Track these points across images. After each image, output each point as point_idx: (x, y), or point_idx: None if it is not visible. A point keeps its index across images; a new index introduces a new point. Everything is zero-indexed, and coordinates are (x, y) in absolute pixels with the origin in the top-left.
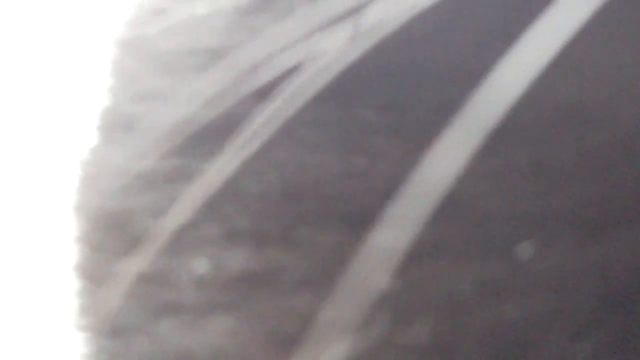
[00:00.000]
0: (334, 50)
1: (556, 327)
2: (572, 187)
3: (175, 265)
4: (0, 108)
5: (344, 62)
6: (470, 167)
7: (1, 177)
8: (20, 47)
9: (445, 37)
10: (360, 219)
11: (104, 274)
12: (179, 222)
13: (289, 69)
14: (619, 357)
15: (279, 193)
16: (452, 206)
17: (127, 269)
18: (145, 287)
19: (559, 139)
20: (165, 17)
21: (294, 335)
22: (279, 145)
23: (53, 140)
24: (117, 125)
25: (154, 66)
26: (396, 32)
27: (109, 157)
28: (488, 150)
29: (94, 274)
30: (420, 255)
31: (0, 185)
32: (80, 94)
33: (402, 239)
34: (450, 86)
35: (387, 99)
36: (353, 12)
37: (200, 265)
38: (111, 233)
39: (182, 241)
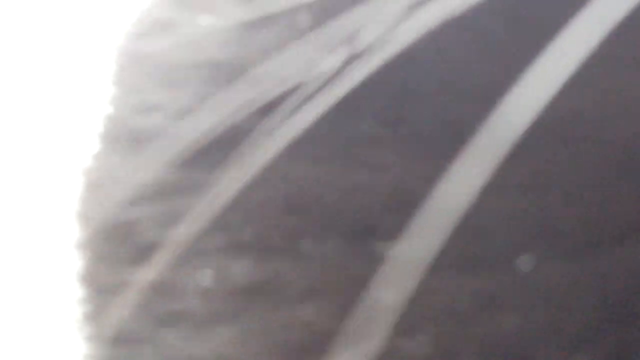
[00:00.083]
0: (332, 70)
1: (555, 339)
2: (570, 202)
3: (180, 275)
4: (4, 115)
5: (348, 80)
6: None
7: (5, 184)
8: (24, 54)
9: (446, 53)
10: (362, 231)
11: (109, 283)
12: (185, 234)
13: (292, 87)
14: None
15: (282, 205)
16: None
17: (132, 278)
18: (150, 296)
19: (557, 155)
20: (168, 29)
21: (297, 345)
22: (282, 158)
23: (57, 147)
24: (120, 136)
25: (157, 78)
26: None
27: (113, 167)
28: None
29: (99, 283)
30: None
31: (5, 192)
32: (84, 102)
33: (421, 255)
34: (452, 101)
35: (390, 113)
36: (350, 33)
37: (205, 275)
38: (116, 243)
39: (187, 252)
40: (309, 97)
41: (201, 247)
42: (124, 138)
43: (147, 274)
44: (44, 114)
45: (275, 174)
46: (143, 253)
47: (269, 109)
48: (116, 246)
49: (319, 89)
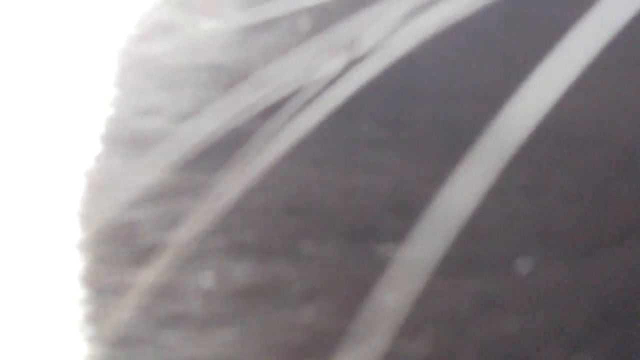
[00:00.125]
0: (332, 74)
1: (554, 341)
2: (569, 205)
3: (182, 277)
4: (6, 116)
5: (348, 84)
6: None
7: (7, 184)
8: (26, 56)
9: (446, 55)
10: (362, 233)
11: (110, 284)
12: (186, 236)
13: (293, 90)
14: None
15: (283, 207)
16: None
17: (134, 280)
18: (151, 298)
19: (556, 159)
20: (170, 32)
21: (298, 346)
22: (283, 160)
23: (59, 148)
24: (121, 138)
25: (158, 81)
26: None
27: (115, 169)
28: None
29: (100, 284)
30: None
31: (7, 193)
32: (86, 104)
33: (425, 258)
34: (451, 103)
35: (390, 115)
36: (351, 37)
37: (206, 277)
38: (117, 244)
39: (188, 253)
40: (310, 101)
41: (202, 248)
42: (125, 140)
43: (149, 275)
44: (46, 116)
45: (275, 176)
46: (144, 255)
47: (270, 112)
48: (117, 248)
49: (320, 92)
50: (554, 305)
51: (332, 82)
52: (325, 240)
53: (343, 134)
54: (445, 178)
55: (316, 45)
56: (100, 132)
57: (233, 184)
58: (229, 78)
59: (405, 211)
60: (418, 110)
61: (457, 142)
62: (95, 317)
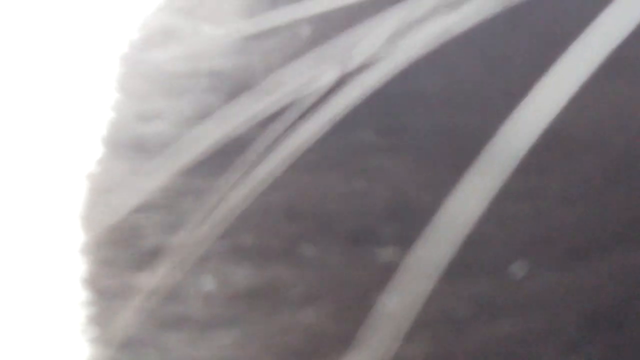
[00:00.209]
0: (332, 83)
1: (548, 343)
2: (562, 211)
3: (183, 280)
4: (10, 120)
5: (347, 93)
6: None
7: (10, 188)
8: (29, 60)
9: (445, 64)
10: (361, 237)
11: (112, 287)
12: (188, 240)
13: (293, 98)
14: None
15: (282, 212)
16: None
17: (136, 283)
18: (153, 300)
19: (550, 165)
20: (172, 38)
21: (297, 348)
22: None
23: (61, 152)
24: (123, 142)
25: (159, 86)
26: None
27: (117, 172)
28: None
29: (102, 287)
30: None
31: (10, 196)
32: (88, 108)
33: (427, 264)
34: (449, 111)
35: (388, 123)
36: (350, 47)
37: (207, 280)
38: (119, 247)
39: (189, 257)
40: (310, 109)
41: (203, 252)
42: (127, 144)
43: (151, 278)
44: (49, 119)
45: (275, 181)
46: (146, 258)
47: (271, 119)
48: (120, 251)
49: (320, 101)
50: (548, 308)
51: (331, 90)
52: (324, 244)
53: (342, 140)
54: (442, 184)
55: (316, 54)
56: (102, 136)
57: (234, 188)
58: (230, 84)
59: (403, 216)
60: (416, 117)
61: (454, 149)
62: (98, 320)
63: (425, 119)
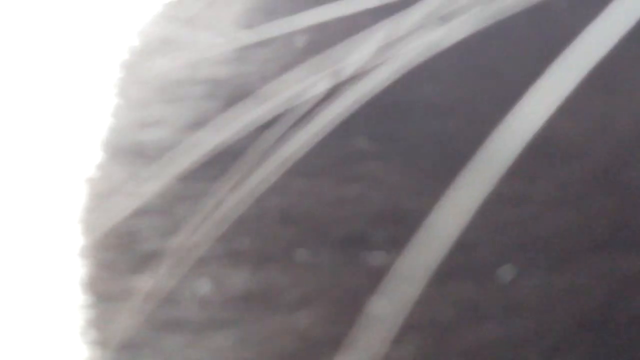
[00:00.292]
0: (326, 91)
1: (534, 347)
2: (548, 216)
3: (179, 283)
4: (10, 124)
5: (342, 101)
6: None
7: (11, 192)
8: (30, 62)
9: (437, 73)
10: (354, 242)
11: (111, 290)
12: (185, 244)
13: (289, 106)
14: None
15: (278, 216)
16: None
17: (134, 286)
18: (151, 304)
19: (536, 171)
20: (171, 46)
21: (291, 351)
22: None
23: (61, 157)
24: (123, 148)
25: (158, 93)
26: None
27: (116, 177)
28: None
29: (101, 290)
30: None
31: (10, 200)
32: (88, 114)
33: (417, 269)
34: (441, 119)
35: (379, 129)
36: (344, 56)
37: (203, 283)
38: (118, 251)
39: (186, 260)
40: (304, 116)
41: (200, 256)
42: (127, 150)
43: (148, 281)
44: (50, 124)
45: (270, 186)
46: (144, 261)
47: (266, 126)
48: (119, 254)
49: (314, 109)
50: (534, 312)
51: (325, 99)
52: (318, 249)
53: (336, 147)
54: (433, 190)
55: (310, 65)
56: (102, 142)
57: (230, 194)
58: (227, 92)
59: (395, 221)
60: (408, 125)
61: (445, 156)
62: (97, 322)
63: (417, 126)
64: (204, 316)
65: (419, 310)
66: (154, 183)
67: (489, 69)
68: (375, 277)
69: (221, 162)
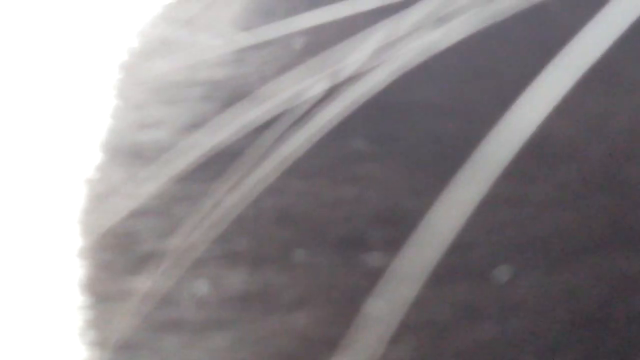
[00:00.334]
0: (323, 92)
1: (531, 347)
2: (545, 216)
3: (177, 284)
4: (10, 125)
5: (339, 102)
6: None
7: (10, 193)
8: (29, 64)
9: (435, 75)
10: (351, 243)
11: (109, 291)
12: (183, 244)
13: (286, 107)
14: None
15: (275, 217)
16: None
17: (132, 287)
18: (149, 304)
19: (532, 172)
20: (170, 48)
21: (288, 352)
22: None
23: (60, 158)
24: (122, 149)
25: (157, 95)
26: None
27: (115, 178)
28: None
29: (100, 291)
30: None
31: (9, 201)
32: (87, 115)
33: (414, 269)
34: (438, 120)
35: (377, 130)
36: (341, 58)
37: (201, 284)
38: (116, 252)
39: (184, 261)
40: (302, 117)
41: (198, 256)
42: (126, 151)
43: (146, 282)
44: (49, 126)
45: (268, 187)
46: (142, 262)
47: (264, 127)
48: (117, 255)
49: (312, 110)
50: (531, 312)
51: (322, 100)
52: (315, 250)
53: (333, 147)
54: (431, 190)
55: (308, 66)
56: (101, 143)
57: (228, 194)
58: (225, 93)
59: (393, 222)
60: (405, 126)
61: (442, 156)
62: (95, 323)
63: (414, 127)
64: (202, 317)
65: (415, 311)
66: (152, 184)
67: (486, 70)
68: (373, 278)
69: (219, 163)
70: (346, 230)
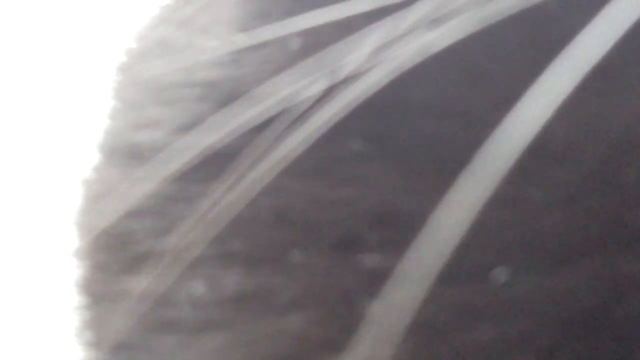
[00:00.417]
0: (320, 93)
1: (528, 348)
2: (542, 217)
3: (173, 285)
4: (6, 125)
5: (336, 102)
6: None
7: (6, 193)
8: (27, 64)
9: (431, 76)
10: (347, 243)
11: (106, 291)
12: (179, 245)
13: (283, 108)
14: None
15: (271, 218)
16: None
17: (129, 287)
18: (145, 305)
19: (530, 173)
20: (167, 49)
21: (284, 353)
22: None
23: (57, 158)
24: (118, 149)
25: (154, 95)
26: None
27: (112, 179)
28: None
29: (96, 291)
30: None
31: (6, 201)
32: (85, 116)
33: (416, 271)
34: (434, 121)
35: (373, 131)
36: (338, 59)
37: (196, 284)
38: (113, 252)
39: (180, 261)
40: (299, 118)
41: (194, 257)
42: (123, 151)
43: (142, 283)
44: (46, 126)
45: (265, 188)
46: (139, 262)
47: (261, 128)
48: (113, 256)
49: (309, 110)
50: (528, 313)
51: (319, 100)
52: (312, 250)
53: (330, 148)
54: (427, 191)
55: (305, 66)
56: (98, 143)
57: (225, 195)
58: (222, 94)
59: (389, 223)
60: (402, 126)
61: (439, 157)
62: (92, 323)
63: (411, 128)
64: (198, 317)
65: (414, 312)
66: (148, 184)
67: (484, 71)
68: (369, 279)
69: (216, 164)
70: (342, 231)
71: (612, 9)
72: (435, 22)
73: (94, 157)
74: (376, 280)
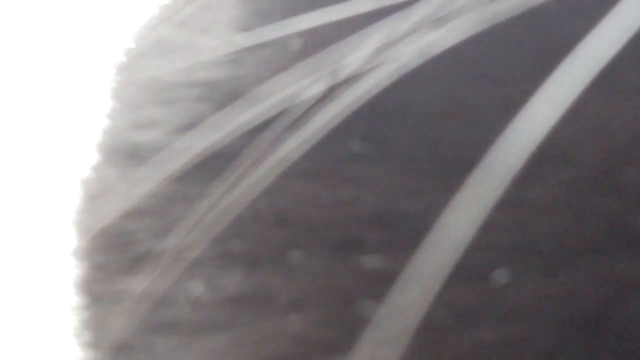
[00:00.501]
0: (321, 93)
1: (529, 350)
2: (543, 219)
3: (173, 285)
4: (5, 125)
5: (336, 103)
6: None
7: (5, 193)
8: (25, 64)
9: (433, 77)
10: (348, 244)
11: (105, 291)
12: (179, 245)
13: (283, 108)
14: None
15: (272, 218)
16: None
17: (128, 287)
18: (144, 305)
19: (531, 175)
20: (166, 48)
21: (284, 354)
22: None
23: (56, 158)
24: (118, 149)
25: (154, 96)
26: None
27: (110, 179)
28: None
29: (95, 292)
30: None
31: (4, 201)
32: (83, 115)
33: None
34: (435, 122)
35: (374, 131)
36: (339, 59)
37: (196, 285)
38: (112, 252)
39: (180, 262)
40: (300, 118)
41: (193, 257)
42: (122, 151)
43: (142, 283)
44: (45, 126)
45: (265, 188)
46: (138, 263)
47: (261, 128)
48: (112, 256)
49: (309, 110)
50: (529, 315)
51: (320, 101)
52: (312, 251)
53: (331, 149)
54: (427, 192)
55: (306, 67)
56: (97, 143)
57: (224, 195)
58: (222, 94)
59: (390, 224)
60: (403, 128)
61: (439, 159)
62: (90, 324)
63: (412, 129)
64: (198, 318)
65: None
66: (147, 184)
67: (485, 72)
68: (369, 280)
69: (216, 164)
70: (343, 232)
71: (621, 10)
72: (437, 22)
73: (93, 157)
74: (376, 281)
